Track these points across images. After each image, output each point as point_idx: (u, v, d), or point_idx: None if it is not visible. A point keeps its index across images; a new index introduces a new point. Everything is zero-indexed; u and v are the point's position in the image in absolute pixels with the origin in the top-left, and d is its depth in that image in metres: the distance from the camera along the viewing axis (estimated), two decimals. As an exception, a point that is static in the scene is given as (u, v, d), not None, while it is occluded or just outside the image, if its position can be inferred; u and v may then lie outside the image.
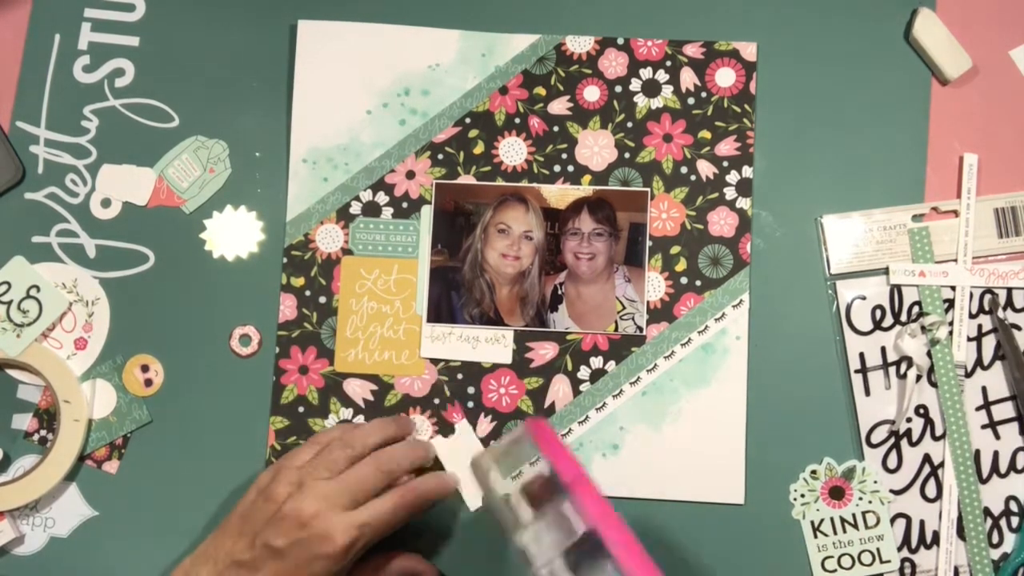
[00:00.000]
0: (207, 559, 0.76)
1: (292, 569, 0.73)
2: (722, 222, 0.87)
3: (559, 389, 0.86)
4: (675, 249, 0.87)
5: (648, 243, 0.87)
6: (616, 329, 0.86)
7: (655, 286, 0.86)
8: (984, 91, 0.89)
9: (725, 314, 0.86)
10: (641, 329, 0.86)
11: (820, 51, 0.88)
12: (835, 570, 0.85)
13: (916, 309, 0.86)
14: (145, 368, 0.87)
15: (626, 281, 0.86)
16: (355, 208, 0.88)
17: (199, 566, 0.75)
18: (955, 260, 0.86)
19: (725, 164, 0.87)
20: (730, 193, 0.87)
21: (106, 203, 0.88)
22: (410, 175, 0.88)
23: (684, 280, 0.86)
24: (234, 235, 0.88)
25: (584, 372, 0.86)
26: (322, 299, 0.87)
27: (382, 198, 0.88)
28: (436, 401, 0.86)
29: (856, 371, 0.86)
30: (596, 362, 0.86)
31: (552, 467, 0.69)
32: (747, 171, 0.87)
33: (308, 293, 0.87)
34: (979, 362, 0.86)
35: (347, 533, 0.74)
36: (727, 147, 0.87)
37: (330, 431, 0.83)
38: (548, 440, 0.70)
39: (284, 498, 0.75)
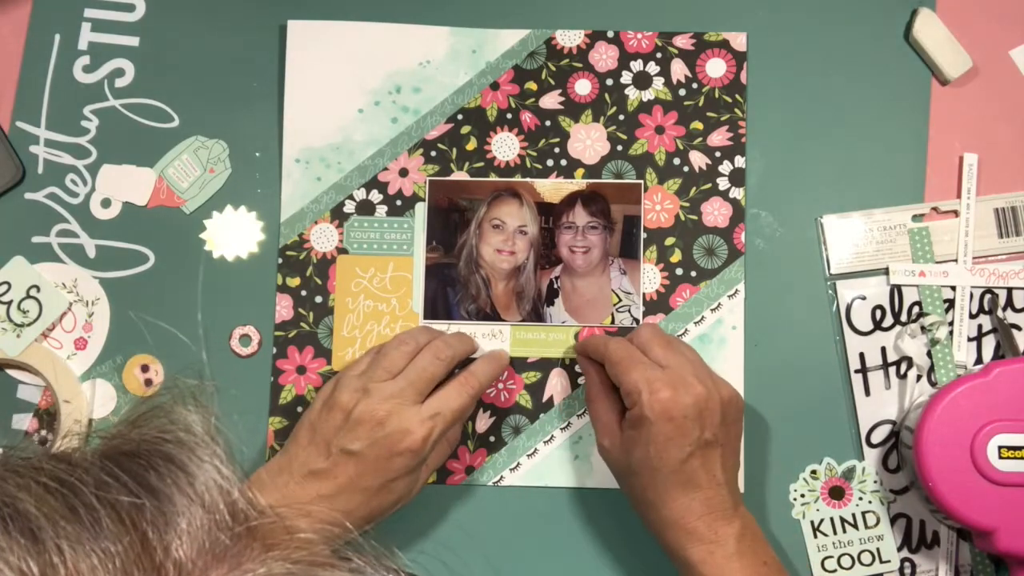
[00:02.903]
0: (281, 471, 0.77)
1: (372, 470, 0.75)
2: (716, 212, 0.86)
3: (557, 383, 0.86)
4: (670, 240, 0.86)
5: (643, 235, 0.86)
6: (613, 322, 0.86)
7: (651, 278, 0.86)
8: (984, 91, 0.88)
9: (721, 304, 0.86)
10: (638, 321, 0.86)
11: (820, 51, 0.88)
12: (835, 570, 0.84)
13: (916, 309, 0.85)
14: (145, 368, 0.87)
15: (621, 273, 0.86)
16: (349, 207, 0.88)
17: (274, 477, 0.76)
18: (955, 260, 0.85)
19: (718, 154, 0.87)
20: (723, 183, 0.87)
21: (106, 203, 0.89)
22: (403, 173, 0.88)
23: (679, 271, 0.86)
24: (234, 235, 0.88)
25: (580, 367, 0.86)
26: (318, 299, 0.87)
27: (376, 196, 0.88)
28: (434, 398, 0.86)
29: (856, 371, 0.85)
30: (593, 356, 0.86)
31: None
32: (739, 161, 0.87)
33: (304, 293, 0.87)
34: (979, 362, 0.85)
35: (423, 425, 0.75)
36: (719, 137, 0.87)
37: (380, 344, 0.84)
38: None
39: (352, 404, 0.76)
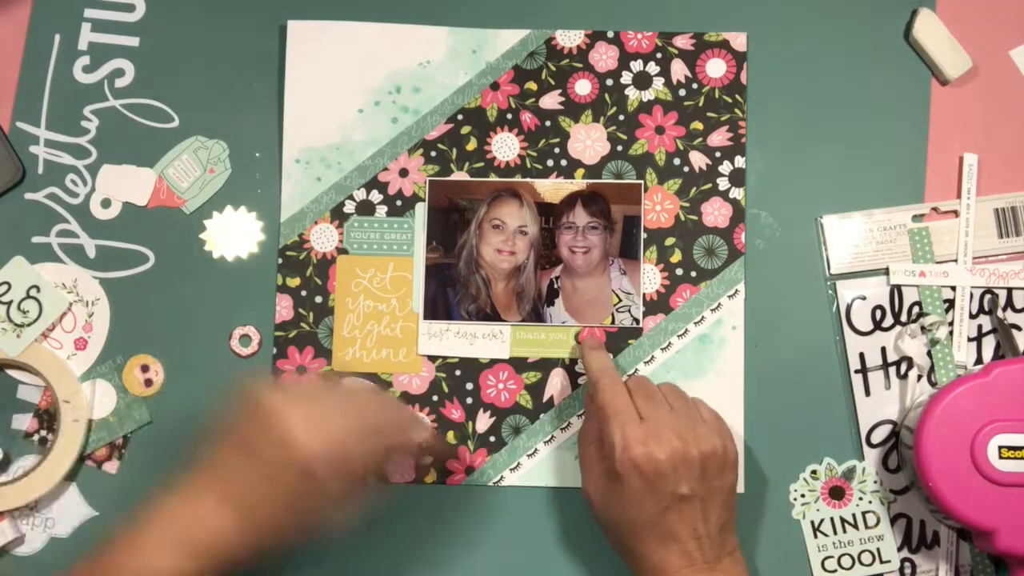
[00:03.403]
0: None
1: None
2: (716, 213, 0.86)
3: (557, 383, 0.86)
4: (670, 241, 0.86)
5: (643, 235, 0.86)
6: (613, 322, 0.86)
7: (651, 278, 0.86)
8: (984, 91, 0.88)
9: (721, 304, 0.86)
10: (638, 321, 0.86)
11: (820, 51, 0.88)
12: (835, 570, 0.84)
13: (916, 309, 0.85)
14: (145, 368, 0.87)
15: (622, 274, 0.86)
16: (349, 207, 0.88)
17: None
18: (955, 260, 0.85)
19: (718, 155, 0.87)
20: (723, 183, 0.87)
21: (106, 203, 0.89)
22: (403, 173, 0.88)
23: (679, 271, 0.86)
24: (234, 235, 0.88)
25: (582, 366, 0.86)
26: (318, 299, 0.87)
27: (376, 196, 0.88)
28: (435, 398, 0.86)
29: (856, 371, 0.85)
30: (593, 356, 0.86)
31: None
32: (740, 161, 0.87)
33: (304, 293, 0.87)
34: (979, 362, 0.85)
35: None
36: (719, 138, 0.87)
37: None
38: None
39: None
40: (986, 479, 0.76)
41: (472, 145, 0.88)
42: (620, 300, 0.86)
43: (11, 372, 0.88)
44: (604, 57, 0.88)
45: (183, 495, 0.72)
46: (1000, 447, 0.76)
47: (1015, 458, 0.76)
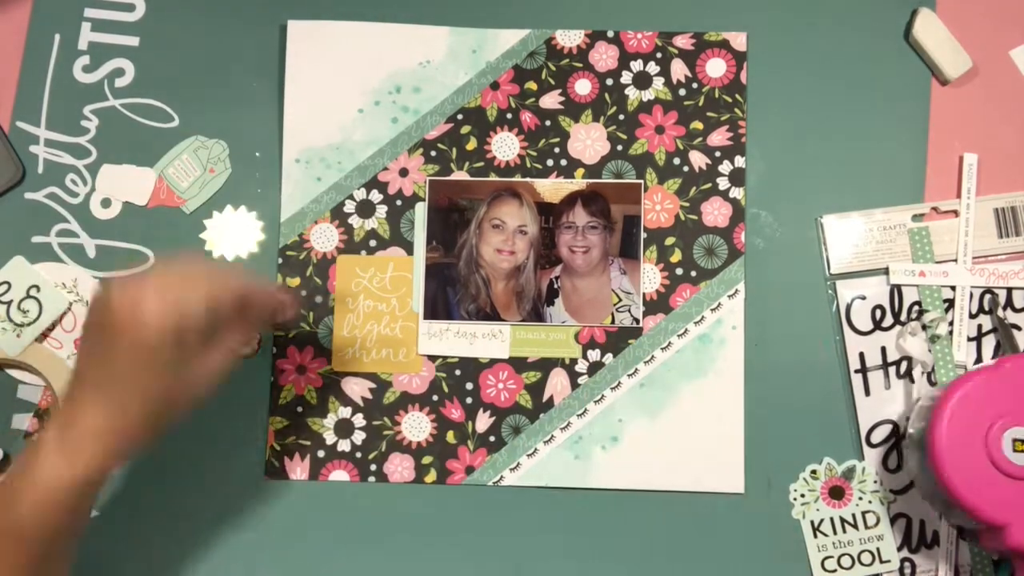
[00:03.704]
0: None
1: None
2: (716, 212, 0.87)
3: (557, 383, 0.86)
4: (670, 240, 0.86)
5: (643, 235, 0.86)
6: (613, 321, 0.86)
7: (650, 278, 0.86)
8: (984, 91, 0.88)
9: (721, 304, 0.86)
10: (638, 321, 0.86)
11: (821, 51, 0.88)
12: (835, 570, 0.84)
13: (916, 309, 0.85)
14: (145, 368, 0.87)
15: (621, 273, 0.86)
16: (349, 207, 0.88)
17: None
18: (955, 260, 0.85)
19: (717, 154, 0.87)
20: (723, 183, 0.87)
21: (106, 203, 0.89)
22: (403, 173, 0.88)
23: (679, 271, 0.86)
24: (234, 235, 0.88)
25: (582, 365, 0.86)
26: (318, 298, 0.87)
27: (376, 196, 0.88)
28: (435, 398, 0.86)
29: (856, 371, 0.85)
30: (594, 355, 0.86)
31: None
32: (739, 161, 0.87)
33: (304, 293, 0.87)
34: (979, 362, 0.85)
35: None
36: (719, 137, 0.87)
37: None
38: None
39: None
40: (1001, 472, 0.76)
41: (472, 145, 0.88)
42: (620, 300, 0.86)
43: (11, 372, 0.88)
44: (604, 57, 0.88)
45: (63, 401, 0.71)
46: (1015, 439, 0.76)
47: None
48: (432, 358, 0.87)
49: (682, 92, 0.88)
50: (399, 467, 0.86)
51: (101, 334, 0.69)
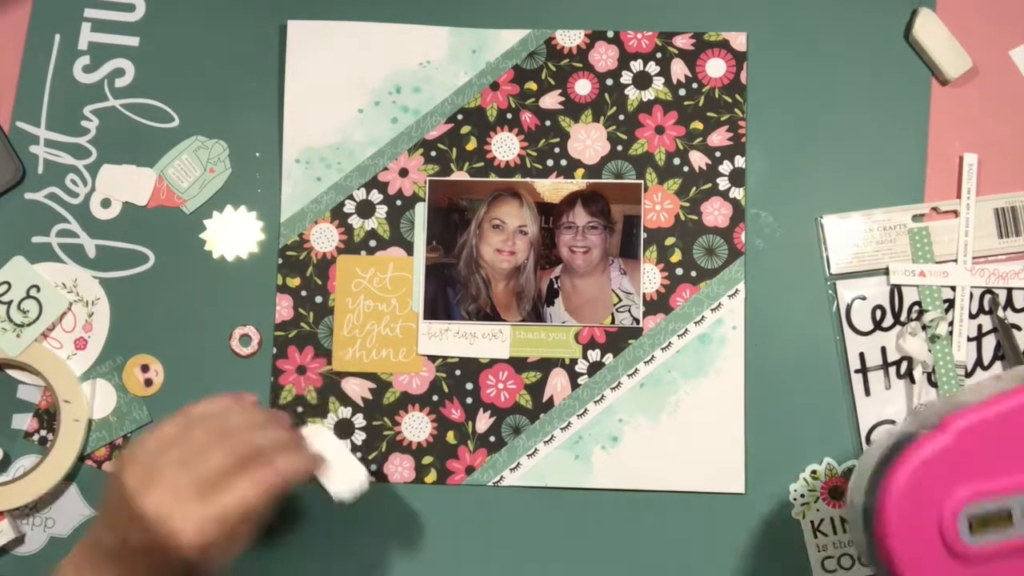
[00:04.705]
0: (86, 545, 0.71)
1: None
2: (716, 212, 0.87)
3: (557, 383, 0.86)
4: (670, 240, 0.86)
5: (643, 235, 0.86)
6: (613, 322, 0.86)
7: (651, 278, 0.86)
8: (984, 91, 0.88)
9: (721, 304, 0.86)
10: (638, 321, 0.86)
11: (820, 51, 0.88)
12: (835, 570, 0.84)
13: (916, 309, 0.85)
14: (145, 368, 0.87)
15: (621, 273, 0.86)
16: (349, 207, 0.88)
17: (82, 555, 0.71)
18: (955, 260, 0.85)
19: (718, 154, 0.87)
20: (723, 183, 0.87)
21: (106, 203, 0.89)
22: (403, 173, 0.88)
23: (679, 271, 0.86)
24: (234, 235, 0.88)
25: (582, 365, 0.86)
26: (318, 299, 0.87)
27: (376, 196, 0.88)
28: (435, 398, 0.86)
29: (856, 371, 0.85)
30: (594, 355, 0.86)
31: None
32: (740, 161, 0.87)
33: (304, 293, 0.87)
34: (979, 362, 0.85)
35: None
36: (719, 137, 0.87)
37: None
38: None
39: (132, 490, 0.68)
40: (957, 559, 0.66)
41: (472, 145, 0.88)
42: (620, 300, 0.86)
43: (11, 372, 0.88)
44: (604, 57, 0.88)
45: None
46: (969, 519, 0.65)
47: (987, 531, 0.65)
48: (432, 358, 0.87)
49: (682, 92, 0.88)
50: (399, 467, 0.86)
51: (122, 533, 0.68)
